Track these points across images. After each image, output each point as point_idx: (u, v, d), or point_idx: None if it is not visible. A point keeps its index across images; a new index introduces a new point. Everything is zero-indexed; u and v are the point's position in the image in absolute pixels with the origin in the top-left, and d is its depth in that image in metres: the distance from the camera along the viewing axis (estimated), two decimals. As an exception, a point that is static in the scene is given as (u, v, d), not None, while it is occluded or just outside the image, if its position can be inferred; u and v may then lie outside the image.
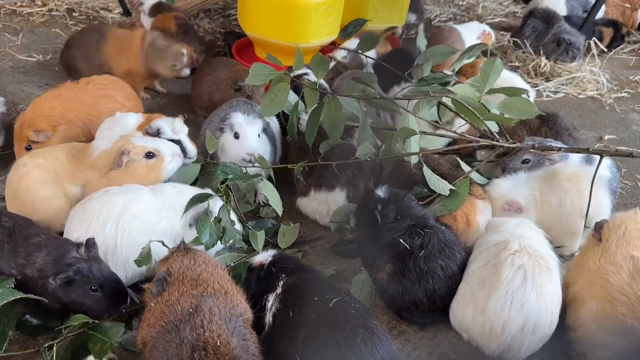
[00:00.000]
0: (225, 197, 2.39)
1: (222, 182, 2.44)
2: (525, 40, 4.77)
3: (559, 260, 2.18)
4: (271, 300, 1.93)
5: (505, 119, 2.47)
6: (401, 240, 2.17)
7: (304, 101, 2.75)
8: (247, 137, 2.67)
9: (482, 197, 2.57)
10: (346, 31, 3.04)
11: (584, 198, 2.44)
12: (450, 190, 2.41)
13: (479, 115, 2.40)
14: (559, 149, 2.49)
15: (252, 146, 2.66)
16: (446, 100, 2.49)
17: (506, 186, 2.59)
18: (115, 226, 2.12)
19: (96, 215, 2.13)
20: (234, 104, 2.90)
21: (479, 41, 4.37)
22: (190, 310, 1.63)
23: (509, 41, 4.91)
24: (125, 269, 2.16)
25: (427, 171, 2.40)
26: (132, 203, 2.17)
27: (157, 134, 2.60)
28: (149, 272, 2.20)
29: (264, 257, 2.12)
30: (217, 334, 1.57)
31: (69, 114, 2.86)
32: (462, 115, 2.48)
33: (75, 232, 2.14)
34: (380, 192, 2.32)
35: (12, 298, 1.85)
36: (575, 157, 2.81)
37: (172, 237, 2.21)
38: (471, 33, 4.38)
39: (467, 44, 4.28)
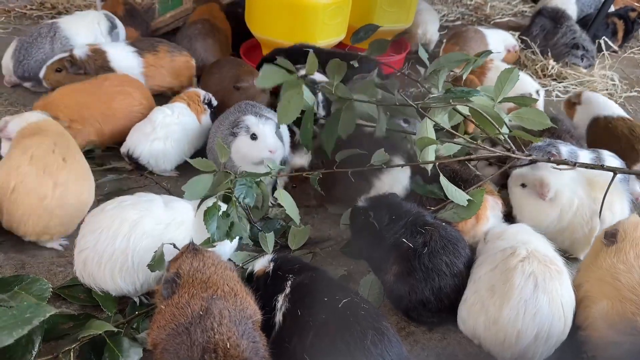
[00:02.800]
0: (233, 194, 2.33)
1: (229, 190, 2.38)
2: (533, 40, 4.76)
3: (566, 262, 2.17)
4: (280, 301, 1.92)
5: (530, 137, 2.45)
6: (404, 240, 2.17)
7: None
8: (266, 135, 2.64)
9: (493, 193, 2.56)
10: (357, 36, 3.01)
11: (614, 211, 2.45)
12: (467, 200, 2.38)
13: (496, 126, 2.36)
14: (574, 164, 2.42)
15: (272, 144, 2.64)
16: (461, 108, 2.46)
17: (550, 172, 2.54)
18: (126, 241, 2.09)
19: (106, 228, 2.10)
20: (243, 107, 2.88)
21: (504, 50, 4.41)
22: (201, 312, 1.63)
23: (517, 40, 4.90)
24: (134, 282, 2.14)
25: (444, 180, 2.37)
26: (143, 218, 2.14)
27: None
28: (159, 283, 2.17)
29: (264, 262, 2.09)
30: (227, 337, 1.57)
31: (84, 111, 2.88)
32: (479, 125, 2.44)
33: (86, 240, 2.13)
34: (363, 202, 2.35)
35: (43, 317, 1.77)
36: (584, 161, 2.78)
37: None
38: (497, 38, 4.40)
39: (490, 45, 4.30)
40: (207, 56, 3.79)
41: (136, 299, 2.21)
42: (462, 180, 2.49)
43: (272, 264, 2.06)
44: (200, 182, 2.43)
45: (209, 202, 2.24)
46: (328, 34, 3.68)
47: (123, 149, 2.92)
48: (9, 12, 4.52)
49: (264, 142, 2.64)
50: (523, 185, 2.62)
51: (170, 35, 4.31)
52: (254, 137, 2.65)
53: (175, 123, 2.95)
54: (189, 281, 1.76)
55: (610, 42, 4.99)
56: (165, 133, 2.90)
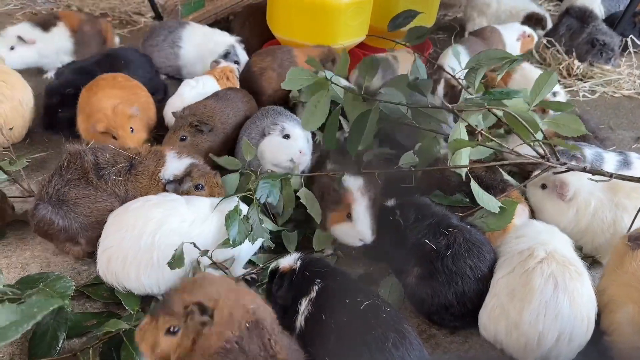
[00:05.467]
0: (254, 196, 2.34)
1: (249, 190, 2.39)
2: (559, 40, 4.69)
3: (585, 264, 2.12)
4: (304, 304, 1.91)
5: (567, 145, 2.39)
6: (426, 240, 2.13)
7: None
8: (299, 136, 2.66)
9: (519, 199, 2.51)
10: (395, 22, 2.94)
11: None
12: (499, 207, 2.30)
13: (531, 131, 2.29)
14: (611, 175, 2.32)
15: (304, 146, 2.65)
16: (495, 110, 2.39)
17: (571, 173, 2.46)
18: (151, 238, 2.10)
19: (131, 227, 2.11)
20: (270, 112, 2.89)
21: (518, 43, 4.32)
22: (248, 326, 1.56)
23: (542, 40, 4.84)
24: (158, 280, 2.15)
25: (474, 186, 2.30)
26: (169, 217, 2.15)
27: None
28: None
29: (290, 260, 2.06)
30: (280, 347, 1.56)
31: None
32: (514, 130, 2.36)
33: (110, 240, 2.15)
34: (391, 202, 2.32)
35: (51, 308, 1.83)
36: (611, 163, 2.74)
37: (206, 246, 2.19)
38: (511, 34, 4.33)
39: (508, 45, 4.26)
40: (253, 40, 4.11)
41: (160, 298, 2.21)
42: (488, 187, 2.44)
43: (299, 263, 2.03)
44: (228, 180, 2.52)
45: (229, 202, 2.26)
46: (349, 34, 3.68)
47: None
48: (35, 14, 4.62)
49: (295, 141, 2.64)
50: (543, 187, 2.59)
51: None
52: (287, 137, 2.67)
53: (201, 94, 3.13)
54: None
55: (638, 41, 4.90)
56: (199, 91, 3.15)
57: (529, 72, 3.62)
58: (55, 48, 3.54)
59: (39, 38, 3.50)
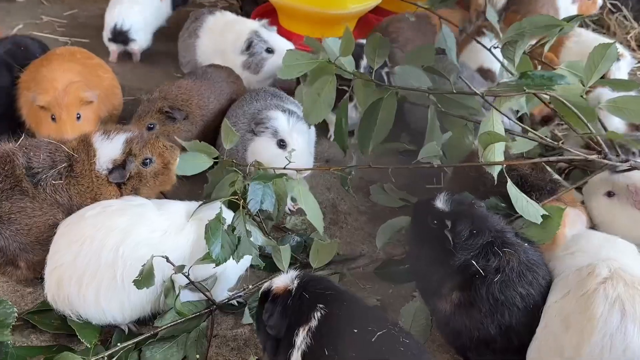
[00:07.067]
0: (241, 201, 2.26)
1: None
2: (625, 3, 4.59)
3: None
4: (302, 336, 1.85)
5: (633, 142, 2.32)
6: (473, 262, 2.06)
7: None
8: (298, 146, 2.57)
9: (574, 203, 2.44)
10: None
11: None
12: (543, 216, 2.23)
13: (585, 121, 2.23)
14: None
15: (304, 160, 2.56)
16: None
17: None
18: (114, 253, 2.04)
19: (89, 239, 2.06)
20: (262, 95, 2.83)
21: (574, 6, 4.16)
22: None
23: (606, 3, 4.69)
24: (122, 305, 2.10)
25: (512, 188, 2.23)
26: (135, 226, 2.09)
27: None
28: (152, 307, 2.17)
29: (286, 280, 1.98)
30: None
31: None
32: (563, 117, 2.32)
33: (61, 255, 2.09)
34: (442, 203, 2.20)
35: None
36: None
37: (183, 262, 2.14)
38: None
39: (561, 9, 4.14)
40: None
41: (124, 327, 2.18)
42: (533, 189, 2.40)
43: (296, 283, 1.98)
44: (195, 158, 2.47)
45: (210, 207, 2.20)
46: (362, -4, 3.62)
47: (109, 24, 3.56)
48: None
49: (293, 155, 2.49)
50: (610, 194, 2.53)
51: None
52: (282, 145, 2.58)
53: None
54: None
55: None
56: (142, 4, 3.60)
57: (587, 39, 3.52)
58: None
59: None
